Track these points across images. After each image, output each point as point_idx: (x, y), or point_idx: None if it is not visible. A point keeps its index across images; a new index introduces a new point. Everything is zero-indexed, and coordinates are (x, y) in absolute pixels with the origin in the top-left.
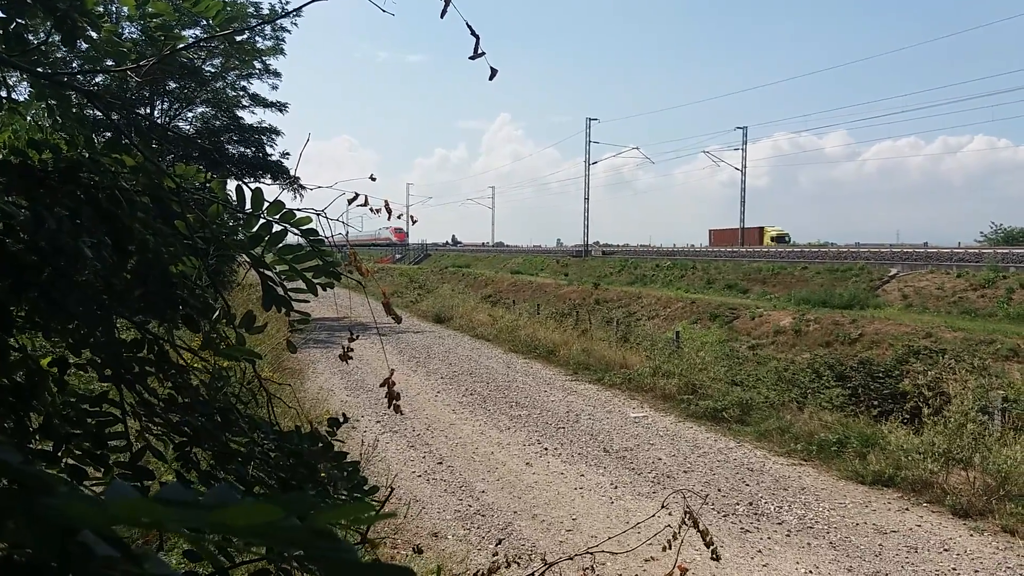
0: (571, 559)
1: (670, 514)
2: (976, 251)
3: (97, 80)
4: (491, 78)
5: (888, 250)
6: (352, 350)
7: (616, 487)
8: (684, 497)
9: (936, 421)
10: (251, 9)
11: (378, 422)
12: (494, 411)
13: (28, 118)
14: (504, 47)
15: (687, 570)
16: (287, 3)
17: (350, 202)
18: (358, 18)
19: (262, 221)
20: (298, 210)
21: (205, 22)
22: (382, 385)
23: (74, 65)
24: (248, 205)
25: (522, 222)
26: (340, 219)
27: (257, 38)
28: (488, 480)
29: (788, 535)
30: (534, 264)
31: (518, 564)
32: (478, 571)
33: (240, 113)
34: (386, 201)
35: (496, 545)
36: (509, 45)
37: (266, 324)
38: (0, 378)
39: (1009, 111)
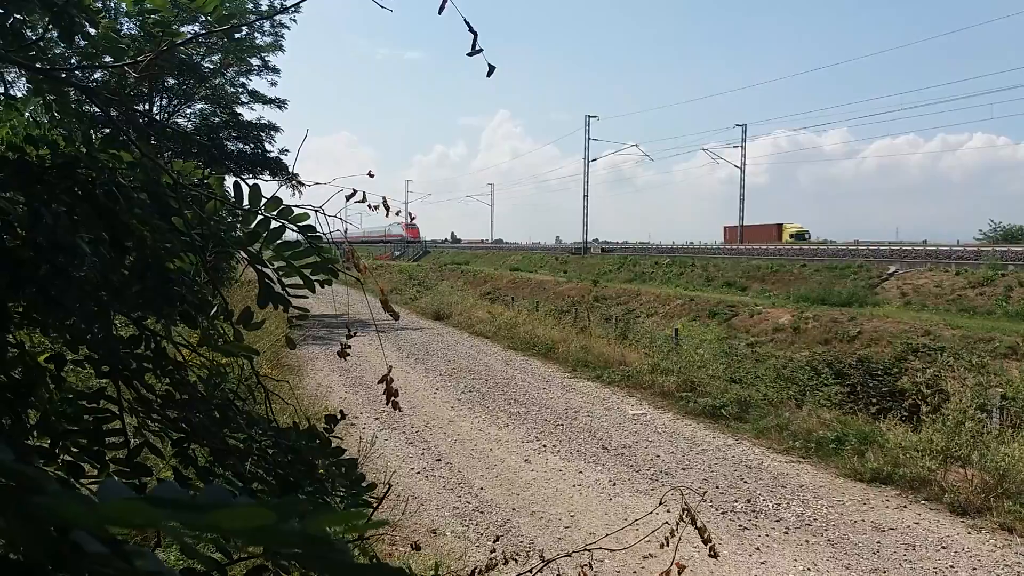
0: (569, 556)
1: (668, 511)
2: (975, 249)
3: (95, 76)
4: (489, 75)
5: (887, 248)
6: (350, 347)
7: (614, 484)
8: (682, 494)
9: (934, 419)
10: (250, 5)
11: (377, 419)
12: (493, 408)
13: (26, 114)
14: (503, 44)
15: (685, 567)
16: None
17: (348, 199)
18: (357, 15)
19: (260, 217)
20: (296, 207)
21: (203, 18)
22: (380, 382)
23: (72, 61)
24: (246, 201)
25: (521, 219)
26: (339, 216)
27: (256, 34)
28: (487, 477)
29: (786, 532)
30: (533, 261)
31: (516, 561)
32: (476, 568)
33: (239, 109)
34: (384, 198)
35: (494, 542)
36: (508, 42)
37: (264, 320)
38: None
39: (1008, 109)
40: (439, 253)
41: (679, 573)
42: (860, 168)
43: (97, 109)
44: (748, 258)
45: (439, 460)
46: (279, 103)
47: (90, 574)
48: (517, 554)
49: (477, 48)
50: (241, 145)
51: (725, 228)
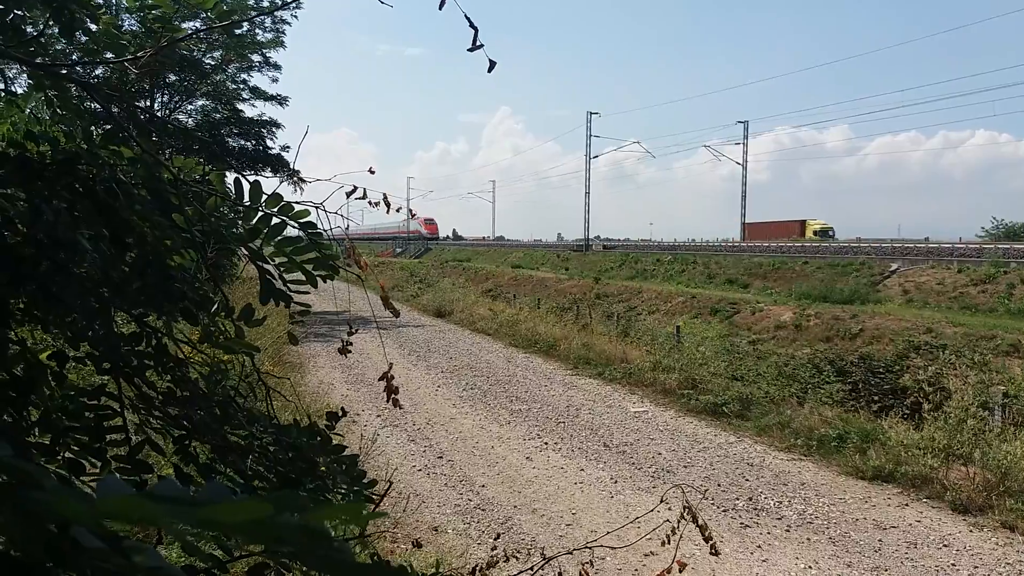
0: (571, 554)
1: (670, 509)
2: (977, 246)
3: (97, 72)
4: (490, 70)
5: (889, 245)
6: (351, 344)
7: (616, 482)
8: (684, 492)
9: (936, 417)
10: (251, 1)
11: (378, 416)
12: (494, 405)
13: (27, 111)
14: (504, 40)
15: (686, 565)
16: None
17: (349, 195)
18: (358, 11)
19: (260, 214)
20: (297, 203)
21: (204, 14)
22: (381, 379)
23: (73, 57)
24: (246, 198)
25: (523, 216)
26: (340, 212)
27: (257, 30)
28: (488, 474)
29: (788, 530)
30: (535, 258)
31: (517, 559)
32: (477, 565)
33: (240, 106)
34: (384, 194)
35: (495, 539)
36: (509, 38)
37: (265, 317)
38: None
39: (1010, 106)
40: (440, 250)
41: (680, 571)
42: (862, 165)
43: (98, 105)
44: (750, 255)
45: (440, 457)
46: (280, 100)
47: (89, 570)
48: (518, 552)
49: (478, 44)
50: (242, 142)
51: (743, 225)
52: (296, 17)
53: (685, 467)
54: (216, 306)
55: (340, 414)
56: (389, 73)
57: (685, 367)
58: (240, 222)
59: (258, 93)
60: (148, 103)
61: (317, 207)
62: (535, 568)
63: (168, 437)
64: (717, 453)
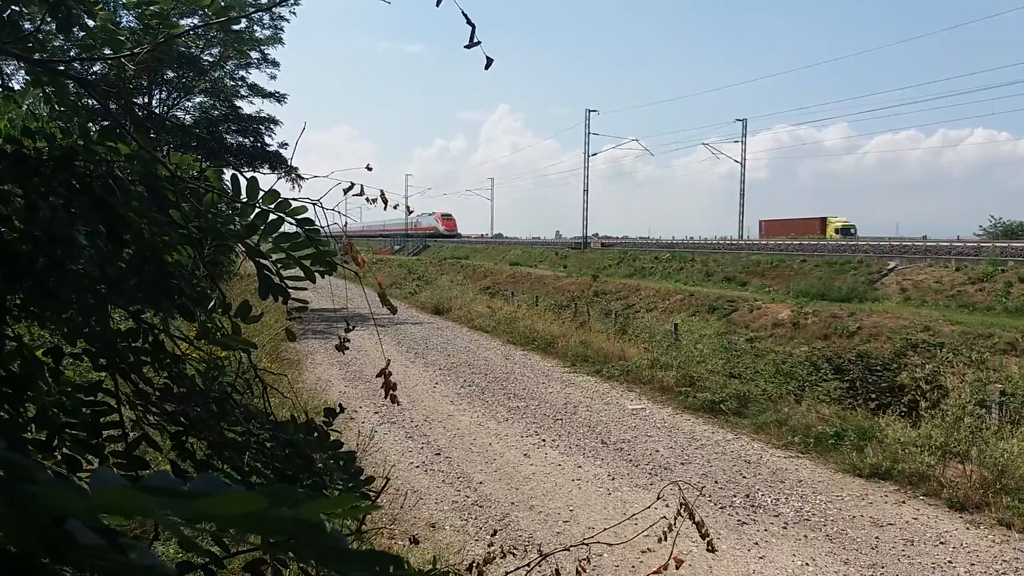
0: (568, 550)
1: (667, 506)
2: (975, 245)
3: (95, 69)
4: (487, 67)
5: (887, 243)
6: (349, 340)
7: (613, 479)
8: (681, 489)
9: (933, 414)
10: None
11: (376, 413)
12: (492, 402)
13: (24, 107)
14: (503, 38)
15: (683, 561)
16: None
17: (346, 192)
18: (357, 8)
19: (257, 210)
20: (294, 199)
21: (202, 11)
22: (378, 375)
23: (71, 54)
24: (244, 194)
25: (521, 214)
26: (337, 209)
27: (256, 27)
28: (486, 471)
29: (785, 527)
30: (533, 256)
31: (514, 555)
32: (474, 561)
33: (239, 103)
34: (382, 191)
35: (492, 536)
36: (508, 36)
37: (262, 314)
38: None
39: (1009, 104)
40: (438, 247)
41: (677, 567)
42: (861, 163)
43: (95, 102)
44: (748, 253)
45: (438, 454)
46: (279, 97)
47: (84, 566)
48: (515, 548)
49: (475, 41)
50: (241, 138)
51: (761, 222)
52: (295, 14)
53: (682, 464)
54: (213, 302)
55: (337, 410)
56: (389, 70)
57: (683, 365)
58: (237, 218)
59: (256, 90)
60: (146, 100)
61: (315, 203)
62: (532, 564)
63: (165, 433)
64: (714, 450)
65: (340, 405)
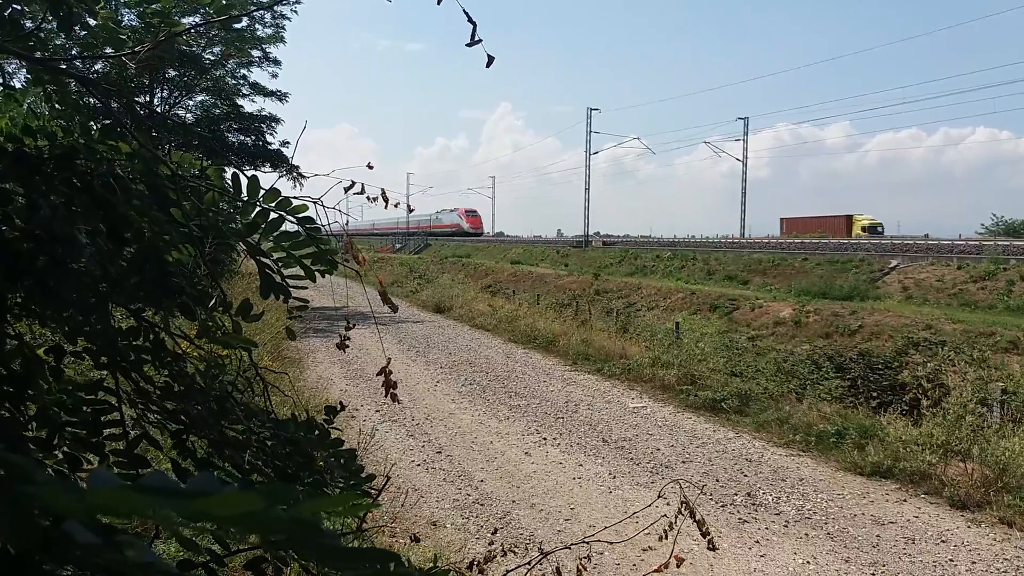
0: (568, 548)
1: (668, 504)
2: (977, 243)
3: (96, 68)
4: (488, 65)
5: (888, 242)
6: (349, 339)
7: (615, 477)
8: (682, 487)
9: (935, 413)
10: None
11: (377, 411)
12: (493, 401)
13: (25, 105)
14: (504, 36)
15: (684, 560)
16: None
17: (347, 190)
18: (358, 6)
19: (258, 209)
20: (295, 198)
21: (203, 9)
22: (379, 374)
23: (73, 53)
24: (244, 193)
25: (523, 212)
26: (338, 207)
27: (257, 26)
28: (487, 470)
29: (786, 526)
30: (534, 254)
31: (515, 553)
32: (475, 559)
33: (240, 102)
34: (383, 190)
35: (493, 534)
36: (509, 34)
37: (263, 312)
38: None
39: (1011, 103)
40: (440, 246)
41: (678, 566)
42: (862, 162)
43: (97, 100)
44: (750, 252)
45: (439, 452)
46: (280, 95)
47: (81, 565)
48: (516, 546)
49: (476, 39)
50: (242, 137)
51: (783, 220)
52: (296, 12)
53: (683, 462)
54: (214, 301)
55: (338, 408)
56: (390, 69)
57: (684, 363)
58: (238, 217)
59: (258, 89)
60: (148, 99)
61: (315, 202)
62: (533, 563)
63: (166, 432)
64: (716, 449)
65: (341, 403)
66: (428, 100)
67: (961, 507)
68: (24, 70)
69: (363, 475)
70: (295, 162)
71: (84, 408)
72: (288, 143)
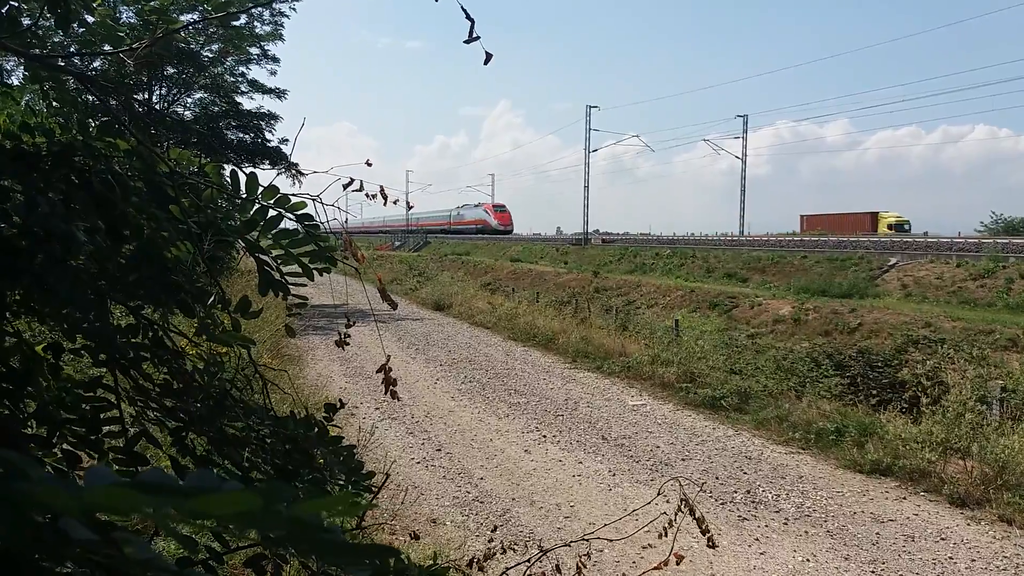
0: (568, 546)
1: (668, 502)
2: (976, 241)
3: (95, 65)
4: (486, 63)
5: (888, 239)
6: (349, 336)
7: (614, 475)
8: (681, 485)
9: (934, 410)
10: None
11: (377, 409)
12: (493, 398)
13: (23, 102)
14: (504, 34)
15: (683, 557)
16: None
17: (345, 187)
18: (358, 4)
19: (257, 206)
20: (293, 195)
21: (202, 6)
22: (379, 371)
23: (71, 50)
24: (243, 190)
25: (522, 210)
26: (336, 204)
27: (256, 23)
28: (486, 467)
29: (785, 523)
30: (534, 252)
31: (515, 551)
32: (474, 557)
33: (239, 99)
34: (381, 187)
35: (492, 531)
36: (509, 32)
37: (262, 309)
38: None
39: (1010, 100)
40: (439, 243)
41: (678, 563)
42: (861, 159)
43: (95, 98)
44: (749, 249)
45: (439, 450)
46: (279, 92)
47: (79, 562)
48: (516, 544)
49: (475, 35)
50: (241, 134)
51: (803, 217)
52: (295, 10)
53: (683, 460)
54: (212, 298)
55: (338, 406)
56: (389, 66)
57: (684, 361)
58: (237, 214)
59: (256, 86)
60: (146, 96)
61: (314, 199)
62: (532, 560)
63: (165, 429)
64: (715, 446)
65: (340, 400)
66: (428, 98)
67: (961, 505)
68: (22, 67)
69: (363, 472)
70: (294, 159)
71: (83, 406)
72: (287, 140)
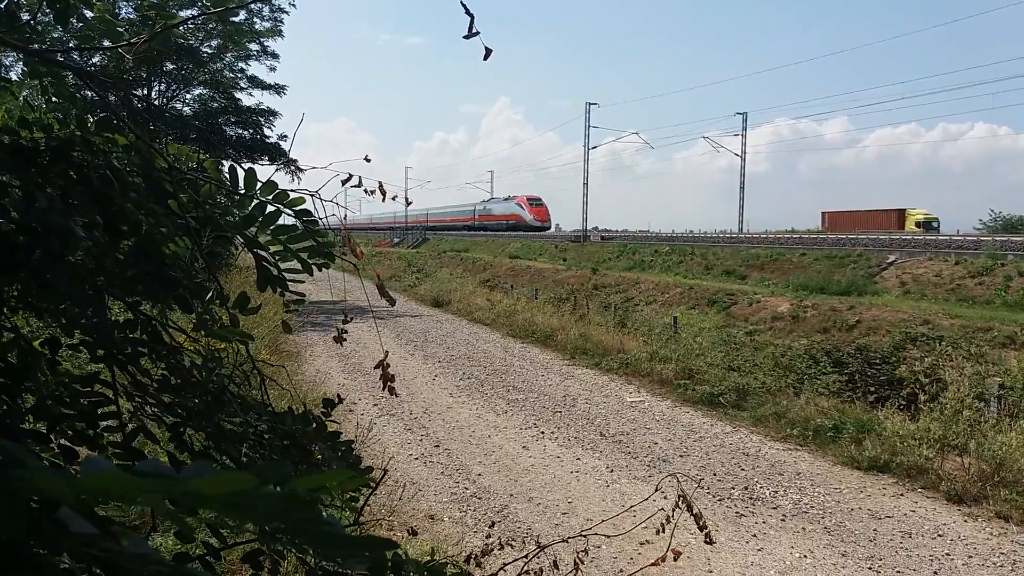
0: (566, 542)
1: (665, 498)
2: (975, 239)
3: (94, 60)
4: (486, 58)
5: (887, 237)
6: (347, 332)
7: (612, 471)
8: (679, 481)
9: (932, 407)
10: None
11: (375, 405)
12: (491, 395)
13: (21, 98)
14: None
15: (681, 553)
16: None
17: (344, 183)
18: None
19: (255, 202)
20: (292, 191)
21: (201, 2)
22: (377, 367)
23: (70, 45)
24: (242, 185)
25: None
26: (335, 200)
27: (255, 19)
28: (485, 463)
29: (783, 520)
30: (532, 249)
31: (512, 547)
32: (472, 553)
33: (238, 95)
34: (380, 183)
35: (490, 527)
36: (509, 28)
37: (260, 305)
38: None
39: (1010, 99)
40: (438, 240)
41: (675, 559)
42: (861, 157)
43: (93, 93)
44: (748, 246)
45: (437, 446)
46: (278, 89)
47: (75, 553)
48: (514, 540)
49: (474, 31)
50: (240, 130)
51: (824, 214)
52: (294, 6)
53: (681, 456)
54: (211, 294)
55: (336, 401)
56: (389, 63)
57: (682, 357)
58: (235, 210)
59: (256, 82)
60: (145, 92)
61: (312, 195)
62: (530, 556)
63: (163, 425)
64: (713, 443)
65: (339, 396)
66: (427, 94)
67: (958, 501)
68: (21, 62)
69: (361, 468)
70: (293, 156)
71: (81, 401)
72: (286, 136)
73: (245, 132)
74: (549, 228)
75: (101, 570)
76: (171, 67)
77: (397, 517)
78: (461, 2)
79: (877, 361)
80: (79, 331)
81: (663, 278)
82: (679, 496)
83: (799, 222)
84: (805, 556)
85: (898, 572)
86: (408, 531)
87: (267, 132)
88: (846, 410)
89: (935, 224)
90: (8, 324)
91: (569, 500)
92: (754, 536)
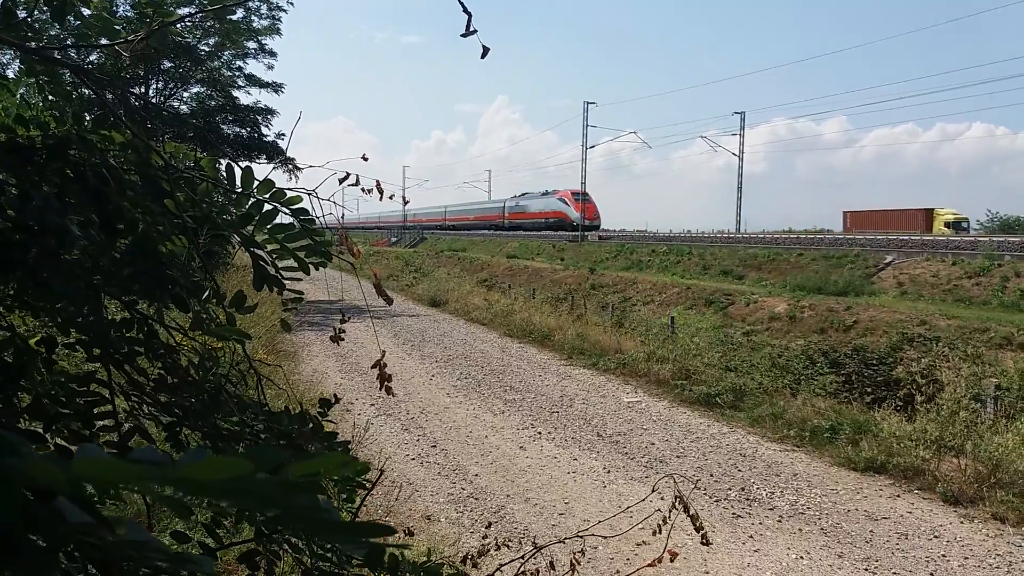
0: (562, 542)
1: (662, 498)
2: (972, 239)
3: (91, 58)
4: (483, 56)
5: (884, 237)
6: (344, 332)
7: (609, 471)
8: (676, 482)
9: (929, 408)
10: None
11: (372, 405)
12: (488, 395)
13: (17, 95)
14: (502, 29)
15: (677, 554)
16: None
17: (341, 182)
18: None
19: (252, 200)
20: (289, 189)
21: (199, 0)
22: (374, 367)
23: (67, 42)
24: (238, 184)
25: None
26: (332, 199)
27: (253, 17)
28: (481, 464)
29: (780, 520)
30: (530, 248)
31: (509, 547)
32: (468, 553)
33: (235, 93)
34: (377, 181)
35: (487, 528)
36: (507, 27)
37: (257, 304)
38: None
39: (1008, 98)
40: (436, 240)
41: (671, 560)
42: (858, 157)
43: (91, 91)
44: (745, 246)
45: (434, 446)
46: (276, 87)
47: (72, 542)
48: (511, 540)
49: (471, 29)
50: (237, 129)
51: (846, 213)
52: (292, 4)
53: (678, 457)
54: (208, 293)
55: (333, 401)
56: (386, 61)
57: (679, 358)
58: (232, 208)
59: (253, 80)
60: (143, 90)
61: (310, 193)
62: (527, 557)
63: (159, 424)
64: (710, 443)
65: (335, 395)
66: (425, 94)
67: (954, 503)
68: (17, 60)
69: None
70: (290, 154)
71: (77, 400)
72: (283, 135)
73: (242, 130)
74: (598, 227)
75: (97, 570)
76: (168, 65)
77: (394, 517)
78: (459, 0)
79: (874, 362)
80: (75, 330)
81: (660, 278)
82: (676, 497)
83: (796, 222)
84: (801, 557)
85: (894, 573)
86: (405, 531)
87: (264, 130)
88: (843, 411)
89: (964, 225)
90: (4, 323)
91: (566, 501)
92: (750, 537)
